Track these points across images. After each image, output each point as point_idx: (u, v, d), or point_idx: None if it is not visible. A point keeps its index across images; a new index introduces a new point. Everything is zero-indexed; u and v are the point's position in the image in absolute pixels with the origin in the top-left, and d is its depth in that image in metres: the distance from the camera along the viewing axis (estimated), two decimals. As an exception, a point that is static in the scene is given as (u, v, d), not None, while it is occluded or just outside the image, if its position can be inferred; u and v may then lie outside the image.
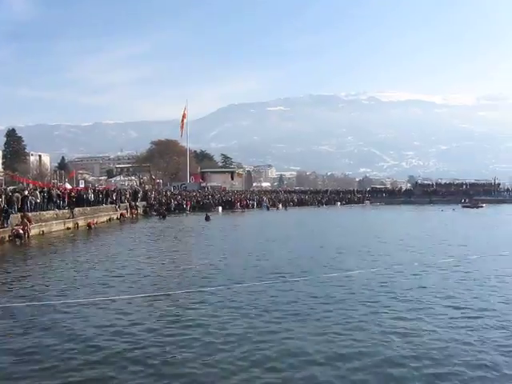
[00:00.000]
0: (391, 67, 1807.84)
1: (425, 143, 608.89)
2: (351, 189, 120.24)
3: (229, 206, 66.29)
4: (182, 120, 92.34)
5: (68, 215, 35.88)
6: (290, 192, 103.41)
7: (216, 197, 69.48)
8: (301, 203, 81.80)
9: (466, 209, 71.21)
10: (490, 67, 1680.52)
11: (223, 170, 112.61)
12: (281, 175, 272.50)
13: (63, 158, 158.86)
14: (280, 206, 74.57)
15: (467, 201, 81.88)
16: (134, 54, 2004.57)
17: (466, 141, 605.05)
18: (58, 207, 36.34)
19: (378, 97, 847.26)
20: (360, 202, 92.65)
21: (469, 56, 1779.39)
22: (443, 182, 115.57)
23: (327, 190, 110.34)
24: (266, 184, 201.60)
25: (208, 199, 66.69)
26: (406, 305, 11.89)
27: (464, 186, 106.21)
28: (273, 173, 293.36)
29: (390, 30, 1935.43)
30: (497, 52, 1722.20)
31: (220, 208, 63.36)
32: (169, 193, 69.22)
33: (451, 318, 10.71)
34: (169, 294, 13.00)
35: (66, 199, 38.16)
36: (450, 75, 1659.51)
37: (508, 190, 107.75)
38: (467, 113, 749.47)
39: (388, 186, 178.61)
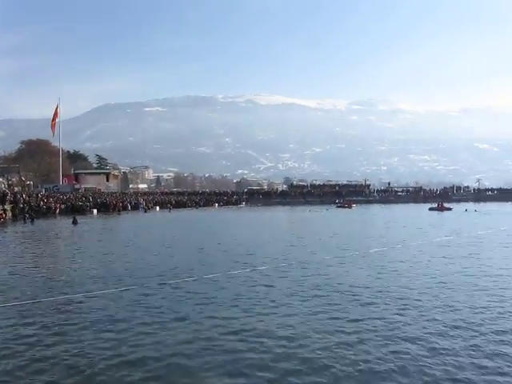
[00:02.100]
0: (267, 72, 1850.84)
1: (300, 146, 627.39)
2: (228, 190, 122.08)
3: (104, 208, 64.61)
4: (54, 119, 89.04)
5: None
6: (167, 194, 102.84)
7: (90, 199, 67.51)
8: (179, 205, 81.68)
9: (339, 208, 74.97)
10: (360, 75, 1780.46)
11: (98, 171, 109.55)
12: (158, 177, 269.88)
13: None
14: (157, 208, 74.15)
15: (341, 201, 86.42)
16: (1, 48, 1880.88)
17: (339, 143, 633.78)
18: None
19: (255, 100, 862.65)
20: (237, 203, 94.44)
21: (340, 64, 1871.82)
22: (317, 183, 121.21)
23: (205, 192, 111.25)
24: (142, 186, 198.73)
25: (82, 201, 64.59)
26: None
27: (337, 187, 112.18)
28: (150, 174, 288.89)
29: (263, 37, 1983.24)
30: (366, 60, 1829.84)
31: (95, 211, 61.56)
32: (40, 195, 66.29)
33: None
34: (34, 302, 12.60)
35: None
36: (324, 81, 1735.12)
37: (377, 190, 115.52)
38: (340, 117, 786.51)
39: (265, 187, 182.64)
